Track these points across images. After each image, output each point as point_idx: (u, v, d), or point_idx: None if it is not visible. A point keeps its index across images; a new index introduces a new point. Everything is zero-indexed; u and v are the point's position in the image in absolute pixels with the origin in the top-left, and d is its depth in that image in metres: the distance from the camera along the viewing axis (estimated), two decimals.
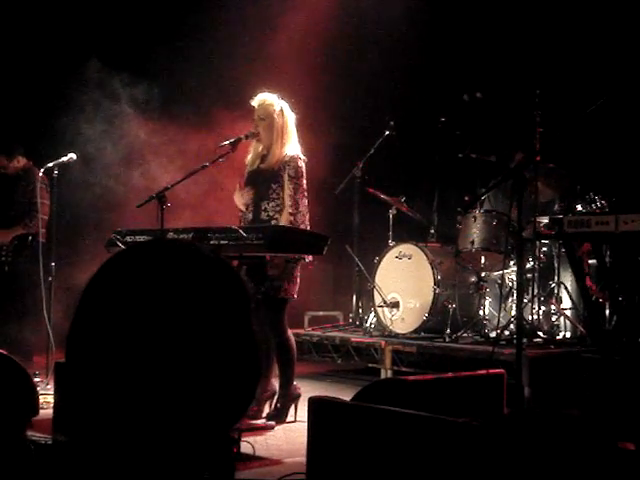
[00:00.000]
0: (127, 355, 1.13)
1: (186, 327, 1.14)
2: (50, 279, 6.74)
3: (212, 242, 4.93)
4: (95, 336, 1.15)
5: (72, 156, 6.90)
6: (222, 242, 4.89)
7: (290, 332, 5.85)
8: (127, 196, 7.67)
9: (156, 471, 1.14)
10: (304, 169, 5.82)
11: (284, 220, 5.68)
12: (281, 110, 5.87)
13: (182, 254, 1.22)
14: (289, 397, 5.82)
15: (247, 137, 5.87)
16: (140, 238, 5.39)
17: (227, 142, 5.76)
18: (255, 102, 5.90)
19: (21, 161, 7.71)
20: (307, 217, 5.78)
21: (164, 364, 1.12)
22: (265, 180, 5.83)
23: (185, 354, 1.13)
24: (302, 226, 5.69)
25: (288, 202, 5.73)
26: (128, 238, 5.44)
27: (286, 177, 5.76)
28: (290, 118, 5.91)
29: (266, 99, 5.89)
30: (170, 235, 5.21)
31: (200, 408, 1.14)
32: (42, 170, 6.91)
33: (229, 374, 1.17)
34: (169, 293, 1.16)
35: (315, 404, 3.30)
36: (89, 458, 1.15)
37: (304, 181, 5.81)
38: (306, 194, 5.80)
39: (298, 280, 5.76)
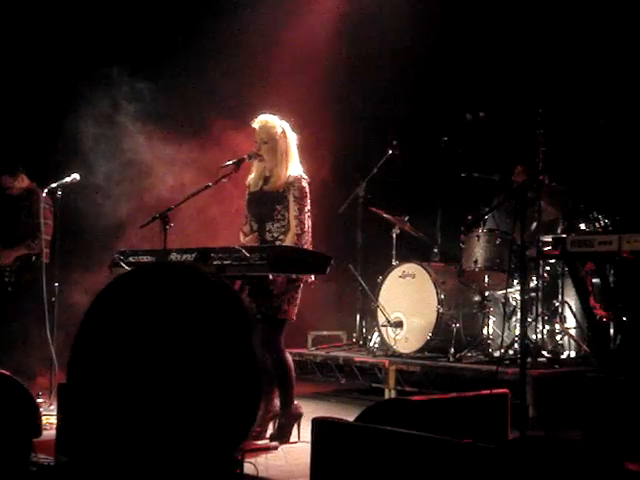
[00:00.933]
0: (128, 378, 1.13)
1: (188, 349, 1.14)
2: (53, 299, 6.74)
3: (215, 262, 4.93)
4: (96, 358, 1.15)
5: (75, 176, 6.91)
6: (225, 262, 4.89)
7: (287, 352, 5.85)
8: (131, 216, 7.68)
9: None
10: (308, 189, 5.83)
11: (289, 241, 5.69)
12: (283, 132, 5.88)
13: (184, 277, 1.23)
14: (290, 417, 5.80)
15: (250, 157, 5.88)
16: (144, 259, 5.39)
17: (230, 162, 5.77)
18: (256, 124, 5.90)
19: (25, 181, 7.72)
20: (310, 237, 5.79)
21: (166, 386, 1.12)
22: (269, 201, 5.83)
23: (187, 376, 1.13)
24: (306, 246, 5.69)
25: (293, 223, 5.74)
26: (131, 259, 5.43)
27: (291, 198, 5.76)
28: (292, 139, 5.92)
29: (268, 121, 5.89)
30: (173, 255, 5.20)
31: (202, 430, 1.14)
32: (45, 190, 6.92)
33: (231, 395, 1.17)
34: (171, 316, 1.16)
35: (318, 424, 3.28)
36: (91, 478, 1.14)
37: (308, 201, 5.82)
38: (309, 215, 5.82)
39: (298, 302, 5.75)
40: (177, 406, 1.05)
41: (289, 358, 5.86)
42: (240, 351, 1.17)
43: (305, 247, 5.67)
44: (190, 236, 7.19)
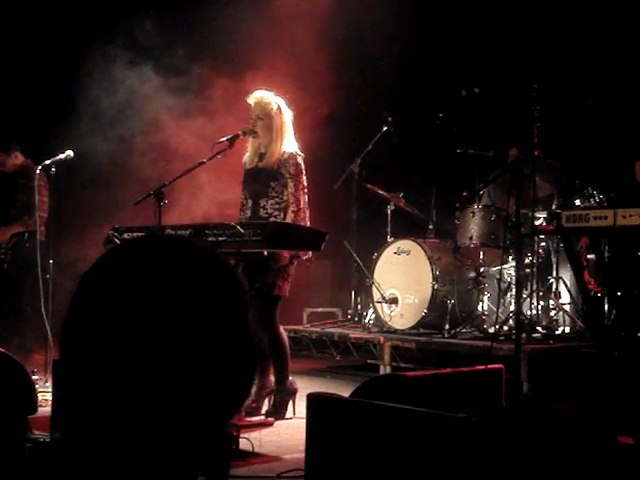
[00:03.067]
0: (121, 350, 1.12)
1: (181, 321, 1.14)
2: (48, 277, 6.73)
3: (210, 239, 4.92)
4: (89, 331, 1.15)
5: (69, 153, 6.87)
6: (220, 239, 4.89)
7: (282, 328, 5.86)
8: (127, 194, 7.66)
9: (152, 467, 1.13)
10: (303, 166, 5.83)
11: (288, 218, 5.70)
12: (279, 108, 5.87)
13: (177, 250, 1.22)
14: (286, 393, 5.82)
15: (245, 134, 5.86)
16: (138, 235, 5.38)
17: (224, 138, 5.75)
18: (251, 100, 5.88)
19: (19, 158, 7.68)
20: (307, 213, 5.79)
21: (158, 359, 1.12)
22: (264, 178, 5.82)
23: (180, 348, 1.13)
24: (303, 222, 5.69)
25: (290, 200, 5.74)
26: (126, 235, 5.42)
27: (287, 175, 5.76)
28: (287, 115, 5.91)
29: (263, 97, 5.87)
30: (168, 232, 5.20)
31: (195, 402, 1.14)
32: (39, 167, 6.89)
33: (225, 368, 1.16)
34: (164, 288, 1.15)
35: (313, 400, 3.29)
36: (86, 454, 1.14)
37: (304, 178, 5.82)
38: (306, 190, 5.81)
39: (291, 279, 5.76)
40: (169, 377, 1.05)
41: (284, 334, 5.87)
42: (234, 322, 1.16)
43: (302, 223, 5.67)
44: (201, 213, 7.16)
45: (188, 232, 5.08)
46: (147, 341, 1.11)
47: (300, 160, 5.82)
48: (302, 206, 5.75)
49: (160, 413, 1.12)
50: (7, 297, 7.50)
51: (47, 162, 6.83)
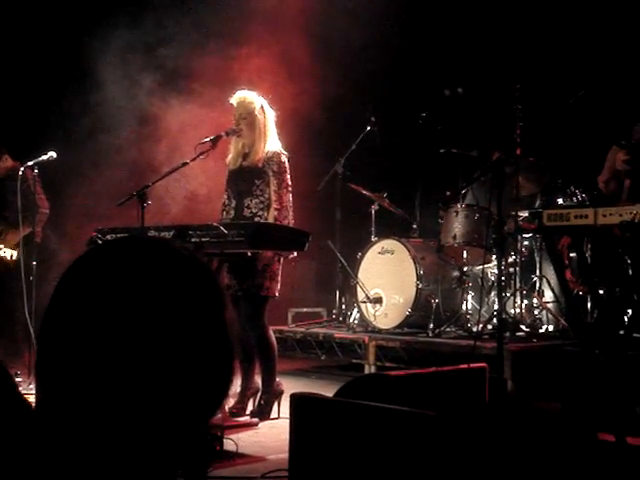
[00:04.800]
0: (99, 351, 1.12)
1: (158, 323, 1.14)
2: (31, 278, 6.71)
3: (193, 239, 4.92)
4: (66, 332, 1.15)
5: (52, 154, 6.86)
6: (203, 239, 4.89)
7: (270, 329, 5.86)
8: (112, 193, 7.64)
9: (129, 467, 1.14)
10: (287, 164, 5.85)
11: (270, 216, 5.71)
12: (262, 107, 5.89)
13: (155, 251, 1.22)
14: (272, 394, 5.82)
15: (227, 134, 5.87)
16: (122, 236, 5.37)
17: (207, 139, 5.75)
18: (234, 100, 5.90)
19: (9, 161, 7.65)
20: (291, 212, 5.79)
21: (135, 360, 1.12)
22: (248, 177, 5.84)
23: (156, 349, 1.13)
24: (286, 221, 5.70)
25: (273, 198, 5.75)
26: (109, 236, 5.41)
27: (270, 173, 5.77)
28: (270, 115, 5.93)
29: (246, 97, 5.89)
30: (151, 233, 5.19)
31: (172, 402, 1.14)
32: (22, 168, 6.86)
33: (201, 369, 1.17)
34: (141, 289, 1.16)
35: (297, 400, 3.30)
36: (64, 454, 1.14)
37: (288, 176, 5.83)
38: (290, 189, 5.82)
39: (279, 278, 5.77)
40: (145, 378, 1.05)
41: (272, 335, 5.87)
42: (211, 326, 1.17)
43: (285, 222, 5.68)
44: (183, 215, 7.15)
45: (171, 233, 5.07)
46: (122, 341, 1.12)
47: (284, 159, 5.84)
48: (285, 204, 5.76)
49: (137, 413, 1.12)
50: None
51: (30, 163, 6.82)
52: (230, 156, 6.02)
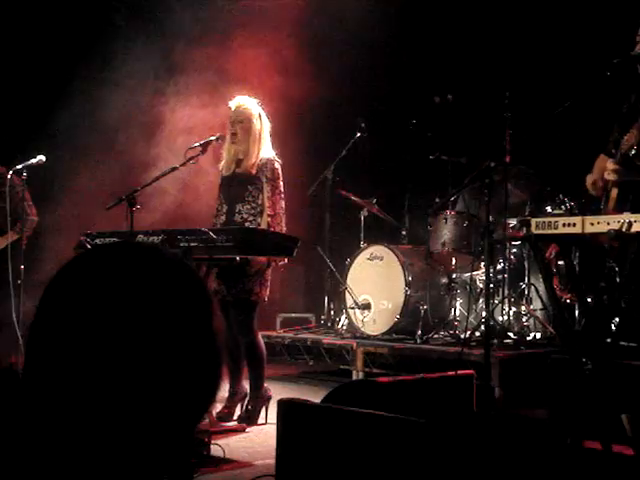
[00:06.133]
0: (87, 356, 1.13)
1: (145, 328, 1.14)
2: (19, 282, 6.69)
3: (182, 244, 4.92)
4: (54, 338, 1.15)
5: (41, 158, 6.85)
6: (192, 244, 4.88)
7: (259, 334, 5.86)
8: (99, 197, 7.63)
9: (116, 471, 1.14)
10: (280, 171, 5.86)
11: (264, 223, 5.72)
12: (259, 115, 5.91)
13: (144, 256, 1.22)
14: (260, 399, 5.82)
15: (217, 139, 5.88)
16: (110, 240, 5.36)
17: (197, 144, 5.76)
18: (233, 104, 5.91)
19: None
20: (284, 218, 5.80)
21: (122, 364, 1.13)
22: (241, 183, 5.84)
23: (143, 354, 1.13)
24: (279, 227, 5.71)
25: (266, 204, 5.76)
26: (98, 240, 5.41)
27: (264, 180, 5.78)
28: (266, 124, 5.95)
29: (245, 103, 5.91)
30: (140, 237, 5.19)
31: (158, 408, 1.14)
32: (10, 172, 6.84)
33: (189, 375, 1.17)
34: (128, 295, 1.16)
35: (284, 406, 3.30)
36: (49, 454, 1.14)
37: (281, 183, 5.84)
38: (283, 196, 5.83)
39: (269, 284, 5.77)
40: (132, 383, 1.06)
41: (261, 341, 5.87)
42: (199, 332, 1.17)
43: (279, 228, 5.69)
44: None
45: (160, 237, 5.07)
46: (111, 347, 1.12)
47: (278, 165, 5.86)
48: (278, 211, 5.77)
49: (124, 418, 1.12)
50: None
51: (19, 167, 6.80)
52: (223, 162, 6.02)
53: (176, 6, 8.62)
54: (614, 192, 4.74)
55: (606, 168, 4.79)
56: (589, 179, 5.00)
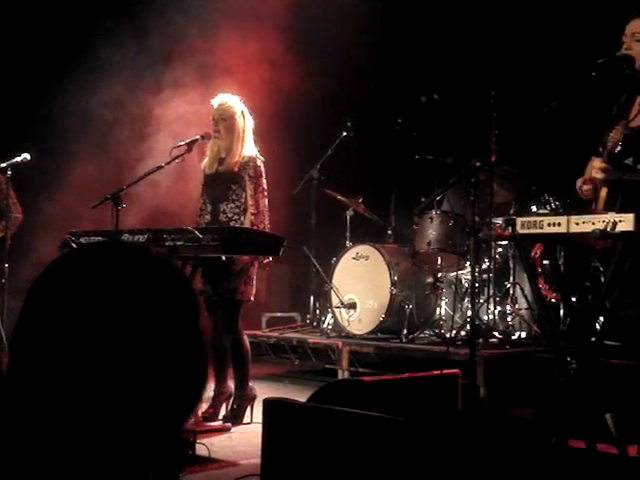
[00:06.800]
0: (72, 355, 1.12)
1: (130, 328, 1.14)
2: (3, 281, 6.67)
3: (167, 243, 4.90)
4: (39, 337, 1.15)
5: (26, 156, 6.83)
6: (177, 243, 4.86)
7: (244, 334, 5.86)
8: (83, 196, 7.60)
9: (100, 470, 1.14)
10: (263, 169, 5.85)
11: (247, 221, 5.70)
12: (242, 112, 5.90)
13: (129, 256, 1.22)
14: (245, 399, 5.81)
15: (203, 138, 5.87)
16: (95, 239, 5.34)
17: (183, 142, 5.75)
18: (215, 102, 5.90)
19: None
20: (267, 217, 5.80)
21: (107, 364, 1.12)
22: (224, 182, 5.83)
23: (129, 354, 1.13)
24: (262, 225, 5.70)
25: (249, 202, 5.75)
26: (83, 240, 5.38)
27: (246, 178, 5.77)
28: (249, 121, 5.94)
29: (228, 100, 5.90)
30: (125, 236, 5.17)
31: (144, 407, 1.14)
32: None
33: (175, 375, 1.17)
34: (114, 294, 1.15)
35: (270, 405, 3.30)
36: (34, 455, 1.14)
37: (264, 181, 5.83)
38: (266, 194, 5.82)
39: (254, 282, 5.77)
40: (118, 383, 1.05)
41: (246, 340, 5.87)
42: (185, 329, 1.17)
43: (262, 227, 5.68)
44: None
45: (145, 236, 5.05)
46: (97, 346, 1.12)
47: (260, 163, 5.85)
48: (261, 209, 5.76)
49: (109, 418, 1.12)
50: None
51: (3, 165, 6.77)
52: (206, 160, 6.01)
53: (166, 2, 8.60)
54: (603, 192, 4.75)
55: (594, 167, 4.80)
56: (579, 182, 5.01)
